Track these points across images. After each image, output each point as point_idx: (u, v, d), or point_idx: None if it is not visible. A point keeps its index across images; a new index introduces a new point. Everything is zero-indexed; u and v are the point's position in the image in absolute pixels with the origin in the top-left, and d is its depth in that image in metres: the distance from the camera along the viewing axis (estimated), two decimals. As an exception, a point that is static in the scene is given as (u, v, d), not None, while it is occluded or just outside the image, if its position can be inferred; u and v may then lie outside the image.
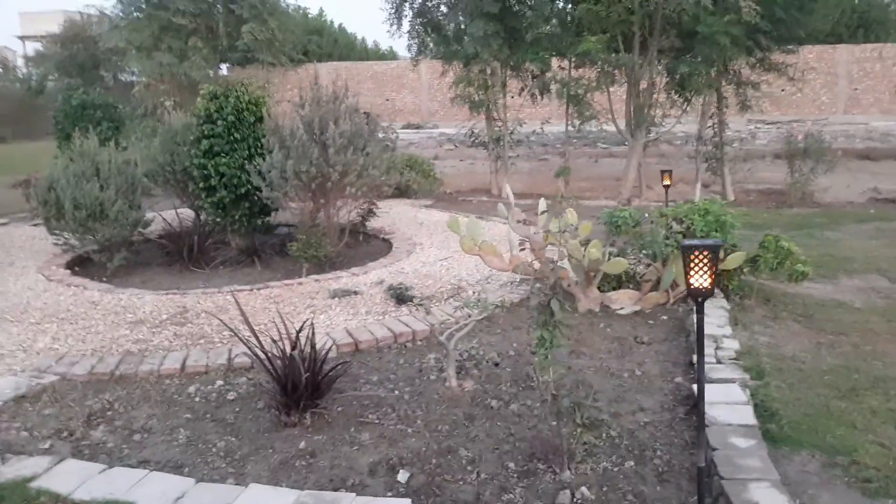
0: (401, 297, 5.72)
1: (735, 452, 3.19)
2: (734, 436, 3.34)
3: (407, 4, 11.55)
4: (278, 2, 14.74)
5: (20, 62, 35.35)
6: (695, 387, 3.93)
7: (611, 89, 10.78)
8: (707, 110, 11.00)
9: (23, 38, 39.98)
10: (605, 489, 3.13)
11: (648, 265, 5.87)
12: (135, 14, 13.19)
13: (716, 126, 11.09)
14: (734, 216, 5.47)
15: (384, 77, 30.10)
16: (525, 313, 5.65)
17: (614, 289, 5.82)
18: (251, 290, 6.17)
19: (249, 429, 3.75)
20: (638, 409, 3.90)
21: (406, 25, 11.76)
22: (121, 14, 13.63)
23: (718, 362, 4.33)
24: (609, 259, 5.48)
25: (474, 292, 5.97)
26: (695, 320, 2.80)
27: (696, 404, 3.75)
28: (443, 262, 7.03)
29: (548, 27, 10.15)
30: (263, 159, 7.01)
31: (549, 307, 3.12)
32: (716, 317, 5.18)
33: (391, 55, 32.95)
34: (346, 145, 6.76)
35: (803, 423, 3.58)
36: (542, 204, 5.98)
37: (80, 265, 7.43)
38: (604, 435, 3.58)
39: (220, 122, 7.33)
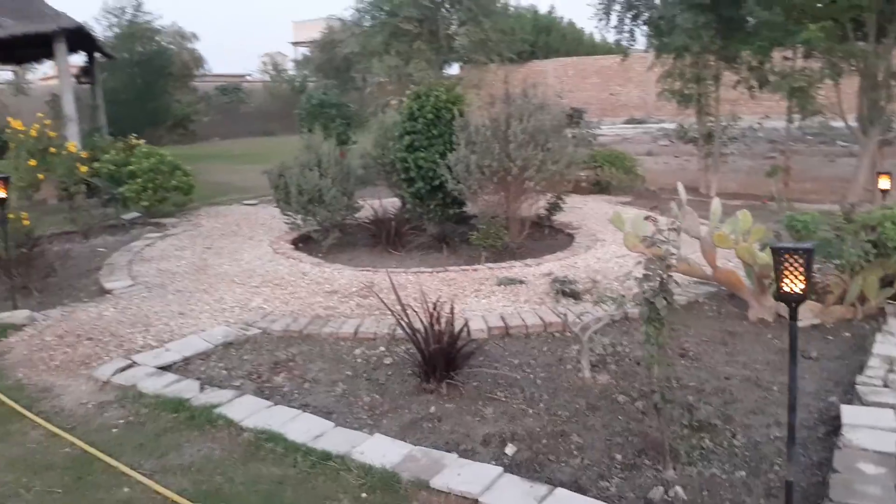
0: (562, 289, 5.90)
1: (857, 478, 2.96)
2: (864, 461, 3.09)
3: (617, -1, 11.45)
4: (493, 4, 15.39)
5: (290, 65, 40.53)
6: (843, 407, 3.67)
7: (841, 81, 9.69)
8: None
9: (295, 43, 46.07)
10: (704, 493, 3.10)
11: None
12: (369, 22, 14.75)
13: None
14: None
15: (610, 71, 29.61)
16: (688, 315, 5.54)
17: (793, 298, 5.41)
18: (431, 272, 6.76)
19: (394, 390, 4.26)
20: (774, 423, 3.72)
21: (614, 19, 11.66)
22: (356, 23, 15.32)
23: (885, 385, 3.93)
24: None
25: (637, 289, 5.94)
26: (789, 326, 2.67)
27: (839, 426, 3.52)
28: (618, 259, 7.02)
29: (767, 14, 9.39)
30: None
31: (653, 304, 3.16)
32: (904, 336, 4.64)
33: (619, 49, 32.26)
34: (528, 141, 7.05)
35: (964, 461, 3.17)
36: (716, 204, 5.79)
37: (304, 242, 8.63)
38: (724, 443, 3.51)
39: (420, 120, 8.06)
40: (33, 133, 7.53)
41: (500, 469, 3.18)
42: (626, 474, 3.28)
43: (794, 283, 2.54)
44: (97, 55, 14.94)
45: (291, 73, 37.49)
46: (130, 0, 22.40)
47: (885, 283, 5.11)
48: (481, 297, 5.91)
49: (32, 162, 7.23)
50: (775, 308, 5.33)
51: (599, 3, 11.60)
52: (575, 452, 3.49)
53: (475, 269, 6.81)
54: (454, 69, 24.28)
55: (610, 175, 11.38)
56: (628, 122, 27.27)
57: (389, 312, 5.49)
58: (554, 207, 8.69)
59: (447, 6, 14.38)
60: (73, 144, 9.13)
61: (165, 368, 4.58)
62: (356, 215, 8.79)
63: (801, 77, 9.50)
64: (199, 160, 19.05)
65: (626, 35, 12.08)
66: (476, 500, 2.96)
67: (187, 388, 4.21)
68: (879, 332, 4.77)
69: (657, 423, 3.32)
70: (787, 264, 2.53)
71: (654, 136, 19.26)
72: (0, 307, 5.80)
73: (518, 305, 5.65)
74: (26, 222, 6.45)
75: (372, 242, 8.42)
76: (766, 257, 5.04)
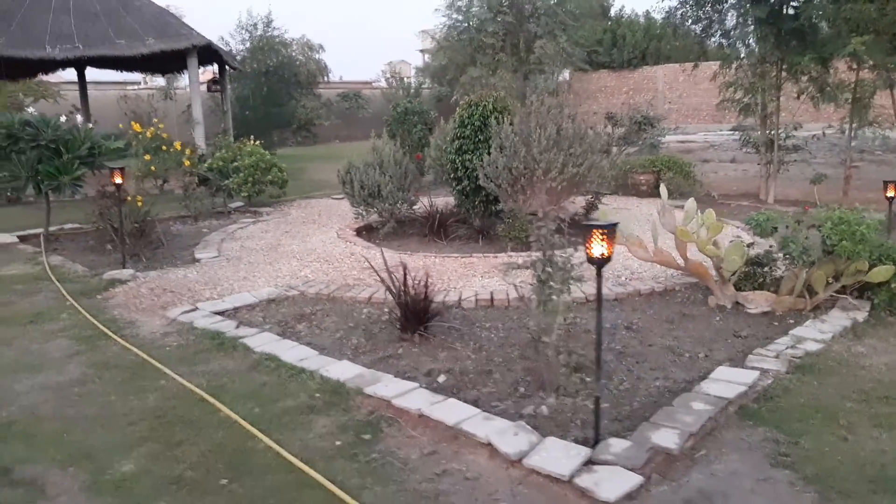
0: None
1: (682, 410, 3.75)
2: (698, 401, 3.85)
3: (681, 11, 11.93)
4: (577, 18, 16.10)
5: (412, 72, 42.62)
6: (718, 368, 4.39)
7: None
8: None
9: (422, 51, 48.39)
10: (567, 413, 3.99)
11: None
12: (457, 37, 15.99)
13: None
14: (870, 227, 5.27)
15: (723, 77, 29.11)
16: (660, 300, 6.26)
17: (755, 289, 6.00)
18: (457, 257, 7.84)
19: (379, 338, 5.39)
20: (662, 378, 4.49)
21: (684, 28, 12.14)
22: (444, 37, 16.64)
23: (776, 357, 4.56)
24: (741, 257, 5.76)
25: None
26: (597, 282, 3.53)
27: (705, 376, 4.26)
28: (623, 253, 7.75)
29: (825, 26, 9.61)
30: (494, 156, 8.58)
31: (542, 264, 4.10)
32: (833, 323, 5.18)
33: (735, 55, 31.52)
34: (551, 146, 7.94)
35: (790, 410, 3.84)
36: (690, 203, 6.45)
37: (367, 230, 9.97)
38: (611, 387, 4.35)
39: (469, 126, 9.14)
40: (149, 134, 9.39)
41: (417, 385, 4.23)
42: (518, 400, 4.22)
43: (598, 250, 3.42)
44: (227, 67, 17.21)
45: (411, 80, 39.57)
46: (262, 17, 25.07)
47: (836, 277, 5.61)
48: (486, 278, 6.91)
49: (147, 157, 9.06)
50: (734, 296, 5.95)
51: (665, 17, 12.12)
52: (489, 384, 4.46)
53: (495, 257, 7.81)
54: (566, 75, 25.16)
55: (668, 179, 11.88)
56: (735, 128, 26.78)
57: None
58: (591, 207, 9.48)
59: (531, 20, 15.34)
60: (179, 143, 11.00)
61: (219, 314, 5.98)
62: (415, 209, 10.00)
63: (857, 87, 9.62)
64: (313, 160, 21.17)
65: (696, 46, 12.49)
66: (389, 402, 4.04)
67: (226, 326, 5.57)
68: (814, 319, 5.32)
69: (541, 363, 4.25)
70: (594, 236, 3.42)
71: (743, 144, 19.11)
72: (114, 267, 7.54)
73: (513, 285, 6.61)
74: (140, 204, 8.22)
75: (422, 232, 9.60)
76: (714, 249, 5.71)
